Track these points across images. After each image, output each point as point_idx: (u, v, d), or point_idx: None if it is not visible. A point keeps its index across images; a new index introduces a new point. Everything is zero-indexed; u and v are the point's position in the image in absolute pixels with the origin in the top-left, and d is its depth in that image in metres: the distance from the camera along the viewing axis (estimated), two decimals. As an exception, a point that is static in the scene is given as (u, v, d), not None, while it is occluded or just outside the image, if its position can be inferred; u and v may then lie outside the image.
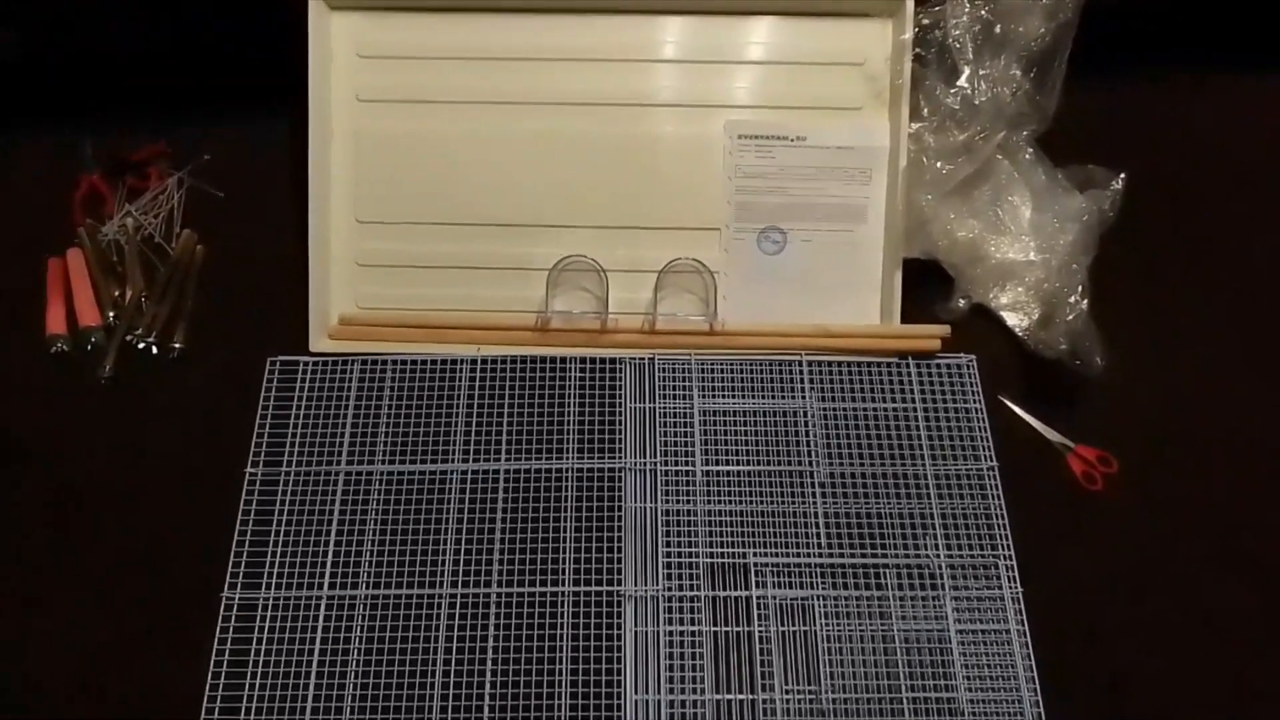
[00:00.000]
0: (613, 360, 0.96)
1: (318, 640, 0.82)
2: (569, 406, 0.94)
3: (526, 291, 0.96)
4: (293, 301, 0.96)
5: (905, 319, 0.98)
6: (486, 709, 0.79)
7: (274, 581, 0.84)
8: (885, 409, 0.94)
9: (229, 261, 1.02)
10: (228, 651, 0.81)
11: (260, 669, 0.80)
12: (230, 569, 0.84)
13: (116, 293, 0.99)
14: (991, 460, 0.91)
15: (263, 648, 0.81)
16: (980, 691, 0.81)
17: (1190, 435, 0.96)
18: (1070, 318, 0.92)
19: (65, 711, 0.80)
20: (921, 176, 0.97)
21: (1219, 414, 0.97)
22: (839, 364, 0.96)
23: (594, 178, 0.98)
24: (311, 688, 0.80)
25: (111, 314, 0.98)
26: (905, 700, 0.80)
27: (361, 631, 0.82)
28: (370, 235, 0.99)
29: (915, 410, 0.94)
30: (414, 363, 0.95)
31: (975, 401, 0.95)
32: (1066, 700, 0.81)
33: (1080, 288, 0.93)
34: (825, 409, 0.94)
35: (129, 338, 0.96)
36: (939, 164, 0.96)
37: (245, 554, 0.85)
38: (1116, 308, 0.97)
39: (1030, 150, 1.01)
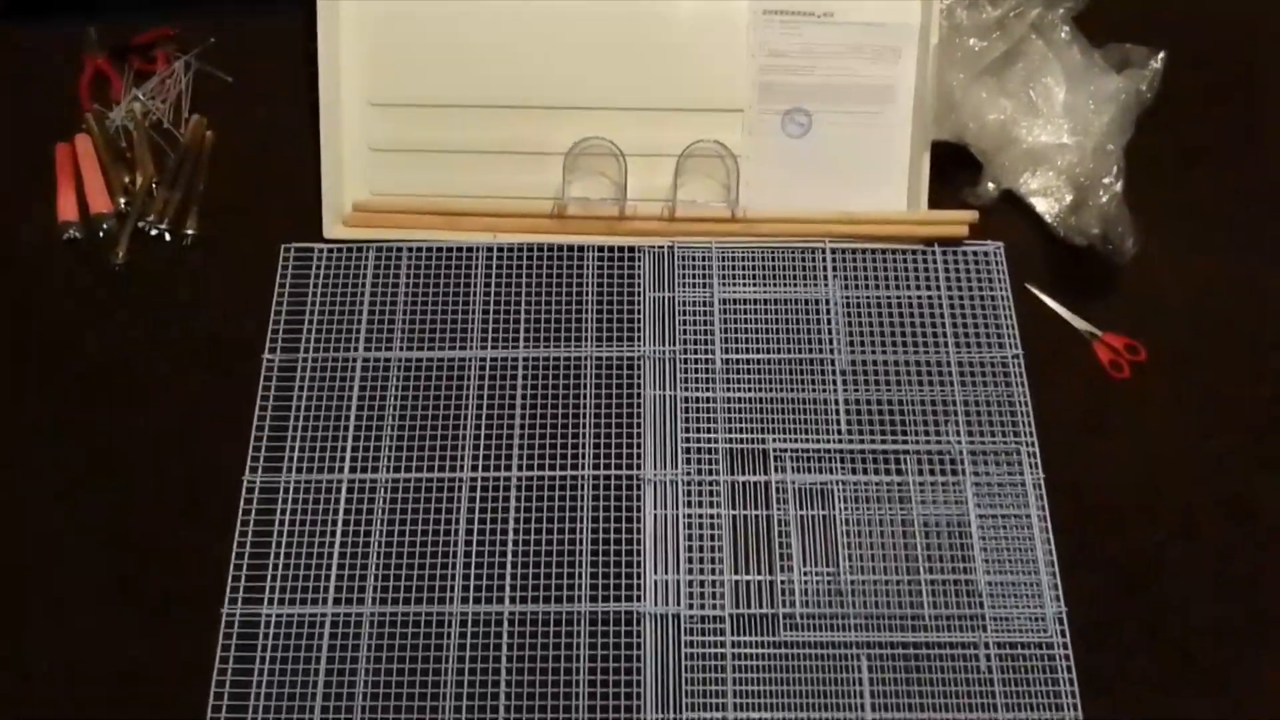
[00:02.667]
0: (631, 248, 0.94)
1: (339, 523, 0.82)
2: (587, 295, 0.92)
3: (543, 177, 0.94)
4: (306, 188, 0.94)
5: (932, 206, 0.96)
6: (508, 586, 0.80)
7: (294, 466, 0.84)
8: (910, 297, 0.92)
9: (240, 147, 1.00)
10: (250, 533, 0.82)
11: (283, 549, 0.81)
12: (250, 453, 0.84)
13: (127, 179, 0.98)
14: (1016, 348, 0.90)
15: (285, 529, 0.82)
16: (999, 575, 0.81)
17: (1221, 324, 0.94)
18: (1104, 200, 0.89)
19: (98, 598, 0.81)
20: (953, 55, 0.94)
21: (1251, 303, 0.95)
22: (863, 251, 0.94)
23: (612, 56, 0.95)
24: (334, 568, 0.80)
25: (123, 200, 0.96)
26: (924, 583, 0.81)
27: (383, 514, 0.82)
28: (383, 119, 0.96)
29: (940, 298, 0.92)
30: (430, 250, 0.93)
31: (1002, 289, 0.93)
32: (1086, 586, 0.81)
33: (1115, 169, 0.90)
34: (848, 297, 0.92)
35: (141, 224, 0.95)
36: (971, 42, 0.93)
37: (265, 439, 0.85)
38: (1150, 193, 0.94)
39: (1066, 28, 0.97)
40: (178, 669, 0.78)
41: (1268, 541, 0.85)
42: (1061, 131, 0.96)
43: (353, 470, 0.84)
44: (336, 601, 0.79)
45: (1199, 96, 1.02)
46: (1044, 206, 0.96)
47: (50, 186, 0.97)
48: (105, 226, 0.95)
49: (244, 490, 0.83)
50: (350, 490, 0.83)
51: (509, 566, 0.81)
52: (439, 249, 0.93)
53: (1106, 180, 0.90)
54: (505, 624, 0.79)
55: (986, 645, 0.78)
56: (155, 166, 0.98)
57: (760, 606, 0.80)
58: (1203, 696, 0.79)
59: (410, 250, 0.93)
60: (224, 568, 0.80)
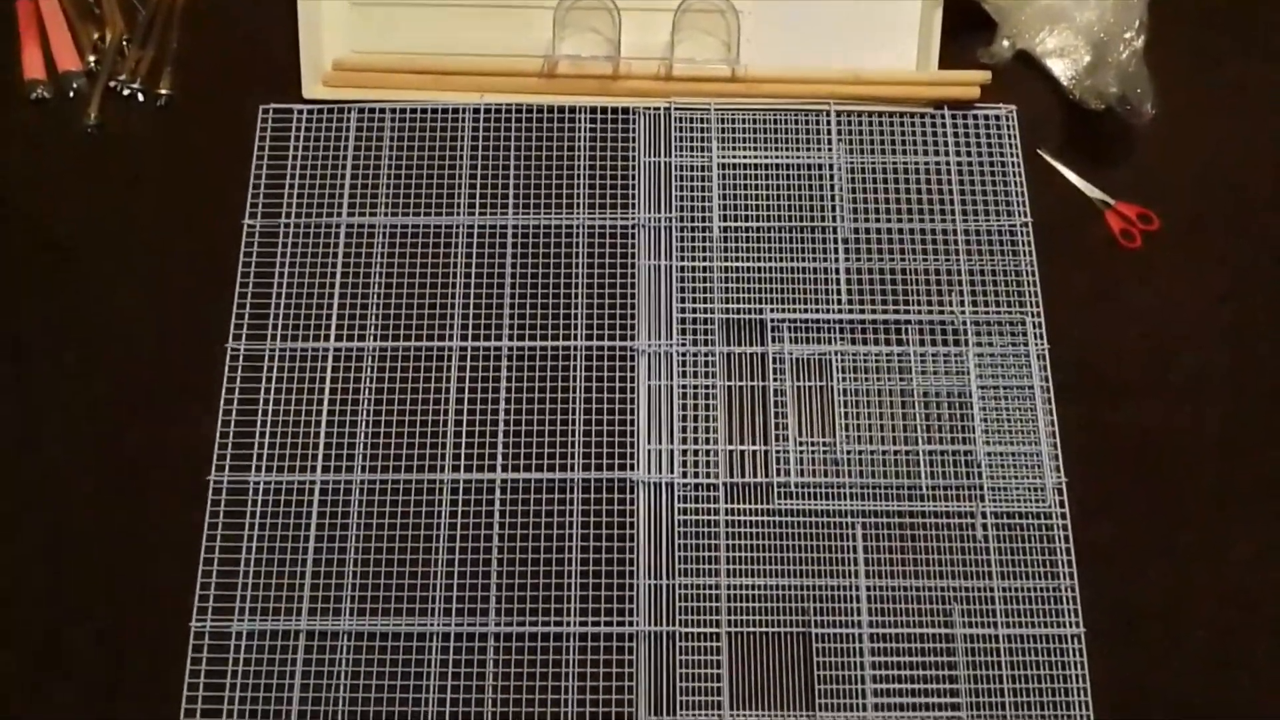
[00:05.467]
0: (625, 109, 0.90)
1: (326, 390, 0.80)
2: (579, 159, 0.88)
3: (533, 33, 0.89)
4: (284, 45, 0.90)
5: (943, 66, 0.91)
6: (500, 454, 0.79)
7: (279, 334, 0.82)
8: (917, 162, 0.89)
9: (214, 2, 0.94)
10: (236, 401, 0.80)
11: (269, 417, 0.79)
12: (234, 322, 0.82)
13: (95, 36, 0.92)
14: (1026, 216, 0.87)
15: (270, 396, 0.80)
16: (999, 446, 0.80)
17: (1236, 192, 0.90)
18: (1124, 56, 0.85)
19: (68, 466, 0.79)
20: (970, -99, 0.88)
21: (1268, 171, 0.91)
22: (870, 114, 0.90)
23: (605, -100, 0.89)
24: (322, 436, 0.79)
25: (92, 58, 0.91)
26: (921, 454, 0.79)
27: (371, 381, 0.81)
28: (363, -30, 0.91)
29: (949, 164, 0.88)
30: (414, 112, 0.89)
31: (1012, 155, 0.89)
32: (1088, 458, 0.80)
33: (1138, 23, 0.85)
34: (853, 162, 0.88)
35: (112, 84, 0.91)
36: (989, -115, 0.87)
37: (248, 306, 0.83)
38: (1169, 55, 0.89)
39: (1092, -128, 0.91)
40: (164, 539, 0.77)
41: (1274, 411, 0.83)
42: (1083, -15, 0.90)
43: (339, 339, 0.82)
44: (325, 469, 0.78)
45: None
46: (1060, 68, 0.91)
47: (13, 44, 0.91)
48: (75, 86, 0.90)
49: (228, 358, 0.81)
50: (337, 357, 0.81)
51: (500, 434, 0.79)
52: (424, 110, 0.89)
53: (1128, 35, 0.85)
54: (497, 490, 0.78)
55: (984, 515, 0.77)
56: (125, 22, 0.93)
57: (755, 476, 0.79)
58: (1202, 565, 0.79)
59: (394, 111, 0.89)
60: (209, 437, 0.79)
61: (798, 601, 0.75)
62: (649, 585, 0.75)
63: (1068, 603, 0.76)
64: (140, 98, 0.91)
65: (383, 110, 0.89)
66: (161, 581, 0.76)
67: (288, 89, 0.89)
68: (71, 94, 0.90)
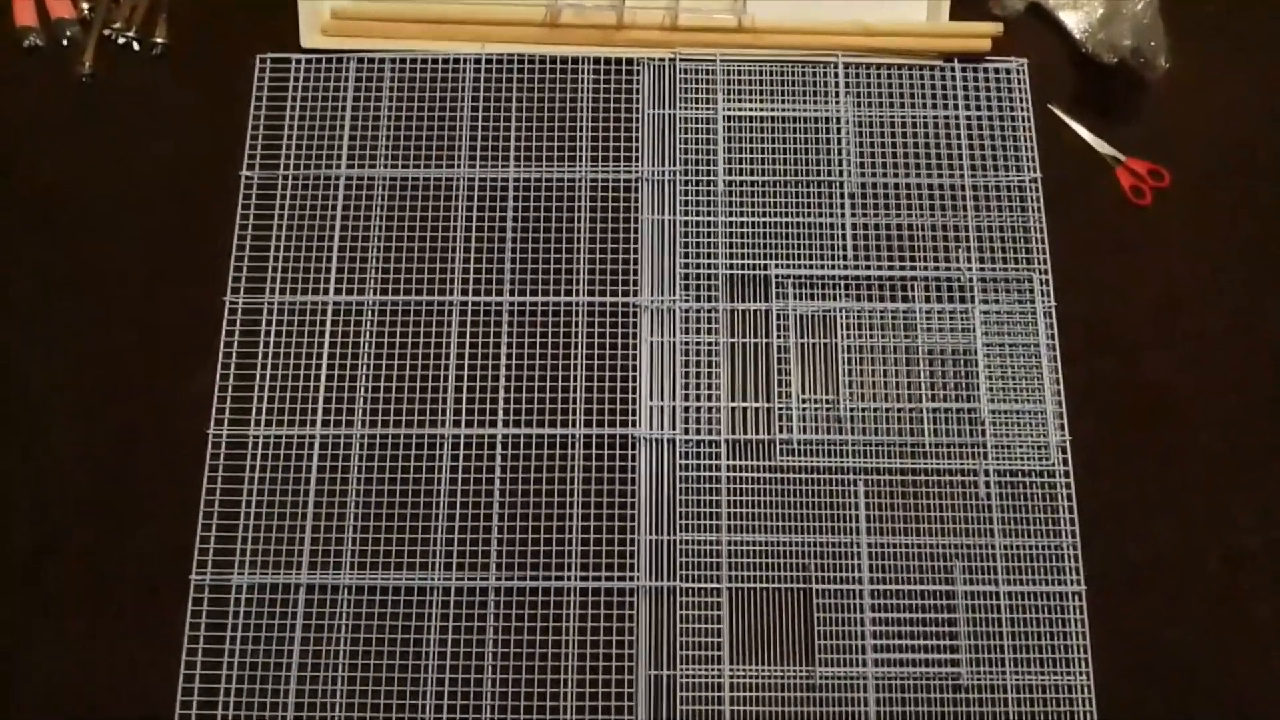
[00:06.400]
0: (629, 60, 0.88)
1: (325, 345, 0.80)
2: (582, 111, 0.87)
3: (535, -20, 0.87)
4: (281, -8, 0.88)
5: (954, 19, 0.89)
6: (500, 409, 0.78)
7: (278, 288, 0.81)
8: (926, 116, 0.87)
9: (209, -52, 0.93)
10: (234, 356, 0.79)
11: (268, 372, 0.79)
12: (231, 275, 0.81)
13: (89, -18, 0.91)
14: (1035, 171, 0.85)
15: (269, 350, 0.79)
16: (1003, 404, 0.79)
17: (1249, 149, 0.89)
18: (1139, 7, 0.83)
19: (63, 419, 0.79)
20: None
21: (1282, 128, 0.89)
22: (878, 66, 0.88)
23: None
24: (322, 391, 0.78)
25: (85, 6, 0.90)
26: (925, 411, 0.79)
27: (371, 337, 0.80)
28: (361, -86, 0.89)
29: (958, 118, 0.87)
30: (414, 62, 0.87)
31: (1023, 109, 0.87)
32: (1092, 415, 0.80)
33: (1155, -29, 0.83)
34: (860, 116, 0.87)
35: (107, 32, 0.89)
36: None
37: (246, 260, 0.82)
38: (1185, 8, 0.88)
39: None
40: (163, 492, 0.77)
41: (1281, 371, 0.82)
42: (1098, -65, 0.88)
43: (338, 292, 0.81)
44: (325, 424, 0.78)
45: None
46: (1073, 20, 0.89)
47: (5, -11, 0.90)
48: (69, 34, 0.89)
49: (225, 312, 0.80)
50: (336, 312, 0.81)
51: (501, 391, 0.79)
52: (424, 60, 0.87)
53: (1144, -14, 0.83)
54: (499, 446, 0.77)
55: (987, 473, 0.77)
56: (119, -32, 0.91)
57: (757, 433, 0.78)
58: (1204, 524, 0.78)
59: (393, 61, 0.87)
60: (207, 392, 0.78)
61: (799, 558, 0.75)
62: (650, 541, 0.75)
63: (1069, 561, 0.75)
64: (135, 46, 0.89)
65: (382, 60, 0.87)
66: (161, 535, 0.76)
67: (285, 38, 0.88)
68: (65, 42, 0.89)
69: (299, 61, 0.87)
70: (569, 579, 0.74)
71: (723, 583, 0.74)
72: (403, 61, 0.87)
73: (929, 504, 0.77)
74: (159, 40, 0.89)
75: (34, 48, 0.88)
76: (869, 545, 0.75)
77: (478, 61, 0.88)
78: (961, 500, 0.77)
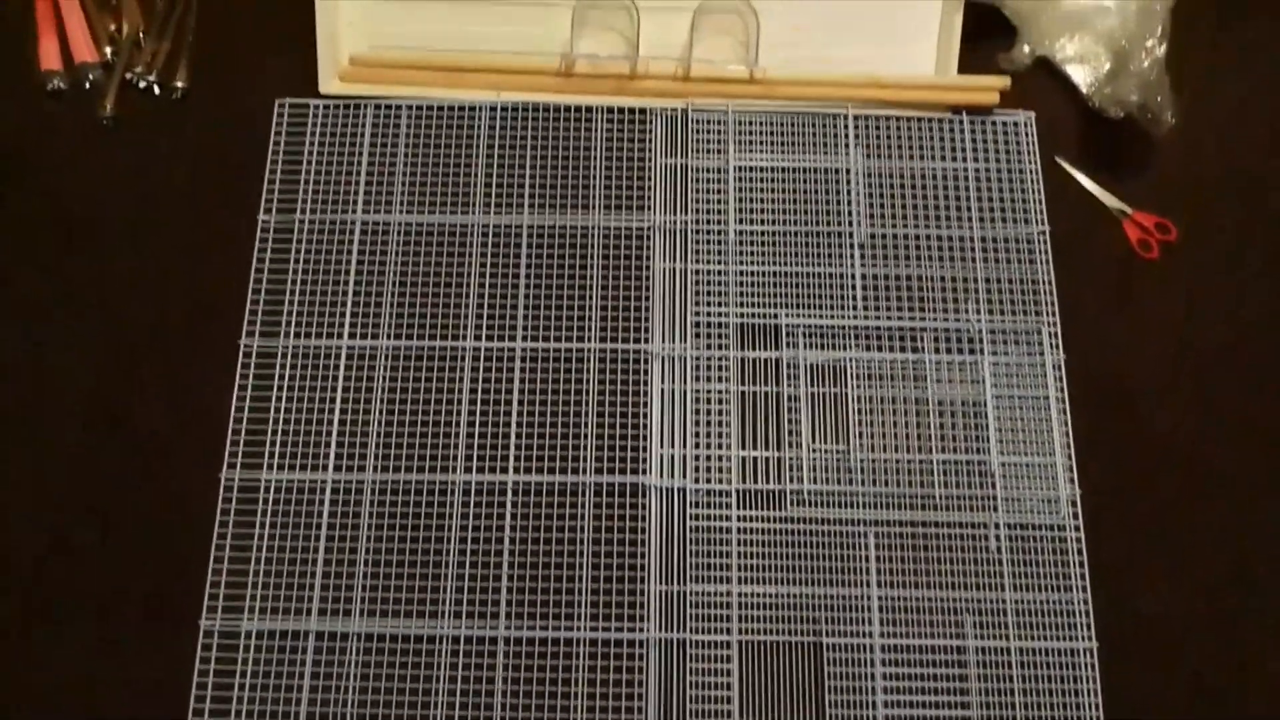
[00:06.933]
0: (642, 110, 0.89)
1: (339, 389, 0.80)
2: (595, 159, 0.88)
3: (550, 31, 0.89)
4: (301, 40, 0.89)
5: (962, 72, 0.90)
6: (512, 456, 0.78)
7: (292, 330, 0.82)
8: (934, 168, 0.88)
9: (230, -5, 0.94)
10: (249, 397, 0.80)
11: (282, 415, 0.79)
12: (247, 316, 0.82)
13: (112, 27, 0.92)
14: (1043, 224, 0.86)
15: (283, 394, 0.80)
16: (1013, 456, 0.79)
17: (1255, 203, 0.90)
18: (1145, 64, 0.84)
19: (79, 460, 0.79)
20: (993, -95, 0.87)
21: (1288, 181, 0.90)
22: (888, 119, 0.89)
23: (626, -101, 0.88)
24: (334, 435, 0.79)
25: (109, 50, 0.91)
26: (935, 463, 0.79)
27: (384, 381, 0.80)
28: (381, -35, 0.90)
29: (966, 170, 0.88)
30: (430, 108, 0.89)
31: (1030, 162, 0.88)
32: (1103, 468, 0.80)
33: (1160, 29, 0.85)
34: (870, 167, 0.88)
35: (128, 76, 0.90)
36: (1012, -109, 0.86)
37: (262, 303, 0.82)
38: (1189, 64, 0.89)
39: (1115, -122, 0.90)
40: (174, 535, 0.77)
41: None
42: (1104, -8, 0.90)
43: (352, 336, 0.82)
44: (337, 469, 0.78)
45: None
46: (1080, 74, 0.91)
47: (31, 34, 0.91)
48: (91, 77, 0.90)
49: (240, 355, 0.81)
50: (350, 356, 0.81)
51: (513, 437, 0.79)
52: (440, 107, 0.89)
53: (1149, 43, 0.84)
54: (509, 494, 0.77)
55: (997, 526, 0.77)
56: (142, 14, 0.93)
57: (767, 483, 0.78)
58: (1216, 579, 0.78)
59: (410, 108, 0.89)
60: (221, 433, 0.78)
61: (809, 610, 0.75)
62: (660, 591, 0.75)
63: (1080, 616, 0.75)
64: (156, 90, 0.90)
65: (399, 107, 0.89)
66: (171, 578, 0.76)
67: (304, 84, 0.89)
68: (87, 85, 0.90)
69: (317, 107, 0.89)
70: (579, 629, 0.74)
71: (733, 634, 0.74)
72: (419, 108, 0.89)
73: (939, 556, 0.77)
74: (179, 84, 0.90)
75: (58, 91, 0.90)
76: (880, 598, 0.75)
77: (493, 109, 0.89)
78: (972, 553, 0.77)
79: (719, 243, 0.85)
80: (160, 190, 0.87)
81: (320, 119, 0.88)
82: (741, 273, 0.84)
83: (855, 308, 0.83)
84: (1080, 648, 0.74)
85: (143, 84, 0.90)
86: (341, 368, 0.81)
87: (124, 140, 0.89)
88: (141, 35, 0.92)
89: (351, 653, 0.73)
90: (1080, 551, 0.77)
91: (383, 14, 0.91)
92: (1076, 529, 0.77)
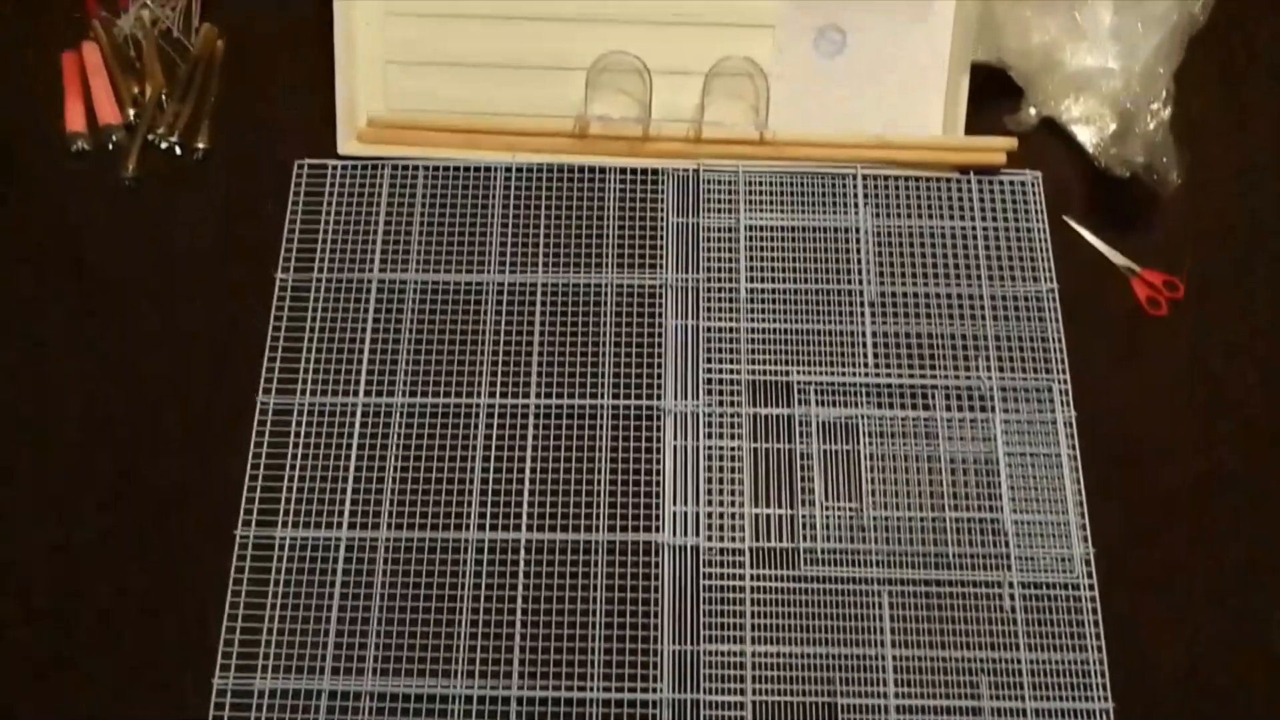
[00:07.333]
0: (654, 170, 0.91)
1: (354, 447, 0.81)
2: (608, 218, 0.89)
3: (564, 93, 0.90)
4: (320, 102, 0.91)
5: (969, 132, 0.92)
6: (525, 514, 0.79)
7: (309, 388, 0.83)
8: (943, 227, 0.89)
9: (252, 59, 0.96)
10: (264, 455, 0.80)
11: (297, 472, 0.80)
12: (264, 375, 0.83)
13: (136, 90, 0.94)
14: (1051, 282, 0.87)
15: (299, 451, 0.80)
16: (1026, 514, 0.79)
17: (1263, 260, 0.90)
18: (1150, 127, 0.85)
19: (94, 515, 0.80)
20: (997, -28, 0.89)
21: (1296, 239, 0.91)
22: (896, 178, 0.91)
23: (638, -35, 0.91)
24: (349, 492, 0.79)
25: (132, 112, 0.93)
26: (948, 521, 0.79)
27: (399, 439, 0.81)
28: (401, 30, 0.92)
29: (974, 229, 0.89)
30: (447, 169, 0.90)
31: (1038, 221, 0.89)
32: (1115, 526, 0.80)
33: (1164, 93, 0.86)
34: (879, 226, 0.89)
35: (151, 137, 0.92)
36: (1017, -43, 0.88)
37: (279, 361, 0.83)
38: (1195, 123, 0.90)
39: (1116, -55, 0.92)
40: (188, 591, 0.77)
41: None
42: (1107, 55, 0.91)
43: (368, 394, 0.82)
44: (352, 526, 0.78)
45: (1256, 11, 0.98)
46: (1086, 135, 0.92)
47: (57, 96, 0.93)
48: (114, 138, 0.92)
49: (257, 411, 0.82)
50: (365, 414, 0.82)
51: (526, 494, 0.79)
52: (456, 168, 0.90)
53: (1154, 106, 0.86)
54: (522, 552, 0.77)
55: (1011, 585, 0.77)
56: (165, 77, 0.95)
57: (780, 540, 0.78)
58: (1233, 638, 0.78)
59: (426, 169, 0.90)
60: (237, 489, 0.79)
61: (824, 671, 0.75)
62: (673, 651, 0.75)
63: (1096, 677, 0.75)
64: (178, 151, 0.92)
65: (416, 167, 0.90)
66: (184, 633, 0.76)
67: (323, 144, 0.91)
68: (110, 146, 0.92)
69: (335, 167, 0.90)
70: (591, 690, 0.74)
71: (746, 695, 0.74)
72: (436, 168, 0.90)
73: (954, 616, 0.76)
74: (200, 145, 0.92)
75: (82, 151, 0.92)
76: (894, 658, 0.75)
77: (508, 170, 0.90)
78: (986, 613, 0.76)
79: (730, 300, 0.86)
80: (180, 249, 0.89)
81: (338, 179, 0.90)
82: (753, 330, 0.85)
83: (866, 365, 0.84)
84: (1097, 709, 0.74)
85: (164, 145, 0.92)
86: (357, 425, 0.81)
87: (145, 200, 0.91)
88: (164, 97, 0.94)
89: (364, 713, 0.73)
90: (1095, 610, 0.76)
91: (400, 77, 0.93)
92: (1091, 588, 0.77)
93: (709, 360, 0.84)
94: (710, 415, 0.82)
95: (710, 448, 0.81)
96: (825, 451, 0.81)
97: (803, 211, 0.90)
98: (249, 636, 0.75)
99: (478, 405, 0.82)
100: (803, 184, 0.91)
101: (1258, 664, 0.77)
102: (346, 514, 0.79)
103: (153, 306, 0.86)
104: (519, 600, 0.76)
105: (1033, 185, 0.91)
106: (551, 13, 0.91)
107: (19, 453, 0.82)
